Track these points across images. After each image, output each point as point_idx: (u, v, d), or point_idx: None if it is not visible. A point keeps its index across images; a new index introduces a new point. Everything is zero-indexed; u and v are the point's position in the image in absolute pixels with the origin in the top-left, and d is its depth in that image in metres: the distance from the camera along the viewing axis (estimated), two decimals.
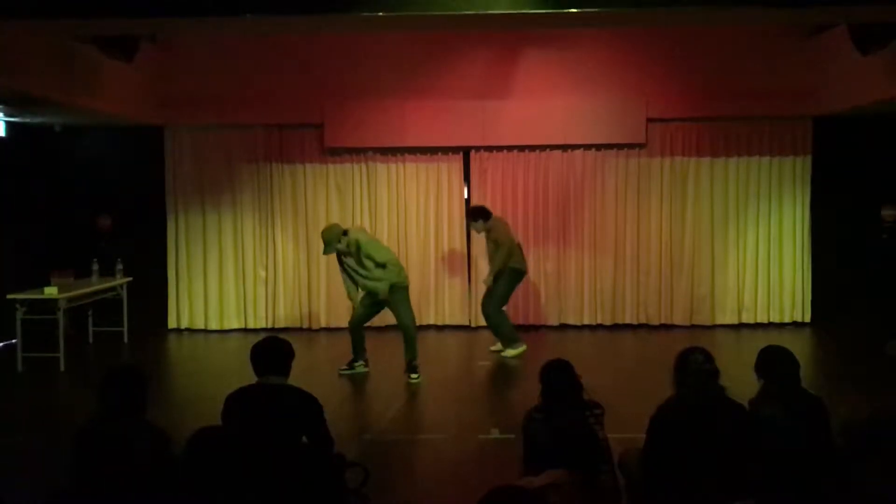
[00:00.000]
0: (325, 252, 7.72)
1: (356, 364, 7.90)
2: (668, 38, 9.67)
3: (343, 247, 7.56)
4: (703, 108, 9.90)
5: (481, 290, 9.24)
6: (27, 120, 9.38)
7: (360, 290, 7.73)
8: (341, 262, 7.76)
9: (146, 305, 10.04)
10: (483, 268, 9.56)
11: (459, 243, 10.28)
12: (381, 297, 7.58)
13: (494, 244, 8.58)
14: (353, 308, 7.92)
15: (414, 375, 7.63)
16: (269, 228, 10.33)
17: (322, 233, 7.75)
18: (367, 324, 7.99)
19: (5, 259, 9.30)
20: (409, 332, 7.65)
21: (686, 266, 10.17)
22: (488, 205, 10.02)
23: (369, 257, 7.49)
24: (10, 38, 6.79)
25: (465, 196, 10.24)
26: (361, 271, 7.57)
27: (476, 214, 8.76)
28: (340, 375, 7.81)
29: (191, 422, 3.48)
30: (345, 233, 7.64)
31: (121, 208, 10.18)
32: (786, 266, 10.18)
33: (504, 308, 8.77)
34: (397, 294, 7.62)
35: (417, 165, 10.26)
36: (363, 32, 9.17)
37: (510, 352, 8.57)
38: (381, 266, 7.50)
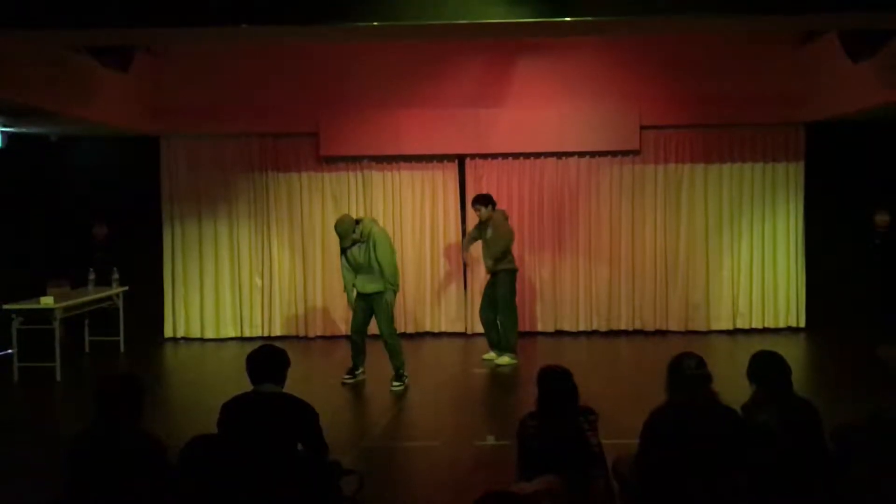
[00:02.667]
0: (344, 245, 7.65)
1: (357, 372, 7.92)
2: (661, 46, 9.72)
3: (357, 236, 7.58)
4: (697, 114, 9.95)
5: (478, 298, 9.25)
6: (23, 130, 9.38)
7: (354, 287, 7.75)
8: (344, 252, 7.75)
9: (142, 314, 10.03)
10: (479, 272, 9.59)
11: (455, 251, 10.29)
12: (365, 291, 7.63)
13: (492, 233, 8.61)
14: (348, 301, 7.92)
15: (396, 383, 7.65)
16: (264, 237, 10.35)
17: (336, 226, 7.66)
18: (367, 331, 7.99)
19: (1, 269, 9.29)
20: (389, 342, 7.69)
21: (681, 272, 10.21)
22: None
23: (374, 249, 7.53)
24: (5, 48, 6.80)
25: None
26: (361, 261, 7.60)
27: (485, 200, 8.76)
28: (344, 385, 7.81)
29: (186, 430, 3.49)
30: (357, 222, 7.67)
31: (117, 218, 10.19)
32: (780, 271, 10.22)
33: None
34: (383, 302, 7.66)
35: (413, 173, 10.29)
36: (358, 42, 9.20)
37: (504, 360, 8.58)
38: (379, 263, 7.55)
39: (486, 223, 8.72)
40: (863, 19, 6.29)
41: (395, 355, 7.70)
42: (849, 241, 9.83)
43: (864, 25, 6.99)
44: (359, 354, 7.87)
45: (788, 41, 9.64)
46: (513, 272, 8.71)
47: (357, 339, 7.84)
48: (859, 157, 9.93)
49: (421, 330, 10.29)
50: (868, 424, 3.69)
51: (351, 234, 7.56)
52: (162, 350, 10.05)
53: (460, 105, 9.96)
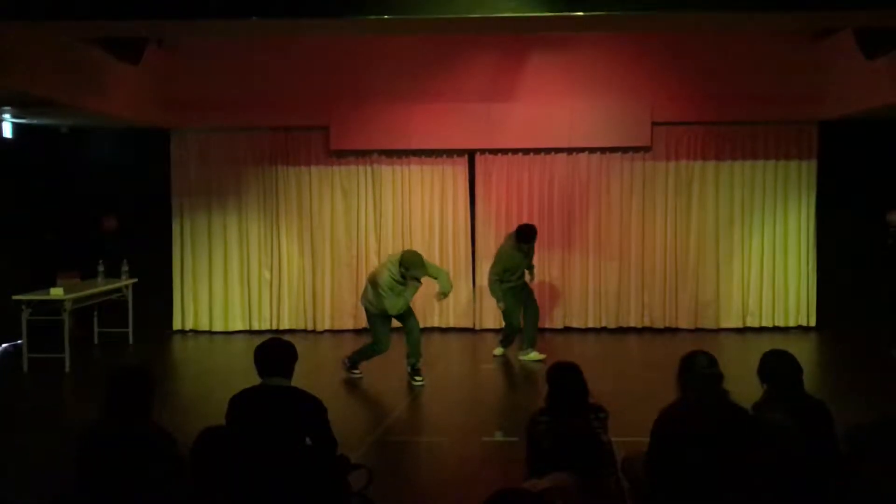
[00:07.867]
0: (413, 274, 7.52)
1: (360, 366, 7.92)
2: (673, 42, 9.67)
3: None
4: (708, 111, 9.89)
5: (486, 293, 9.21)
6: (34, 121, 9.40)
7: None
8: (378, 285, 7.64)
9: (151, 307, 10.06)
10: (487, 268, 9.57)
11: (464, 246, 10.28)
12: (393, 312, 7.63)
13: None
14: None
15: (418, 378, 7.68)
16: (274, 230, 10.35)
17: (412, 259, 7.52)
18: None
19: (11, 260, 9.33)
20: (418, 338, 7.75)
21: (691, 270, 10.16)
22: (493, 207, 10.12)
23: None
24: (17, 40, 6.81)
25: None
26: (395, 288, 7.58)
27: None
28: (353, 378, 7.80)
29: (195, 423, 3.48)
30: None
31: (126, 210, 10.21)
32: (791, 270, 10.16)
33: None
34: (407, 309, 7.75)
35: (422, 168, 10.27)
36: (369, 35, 9.18)
37: (534, 355, 8.55)
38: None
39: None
40: (879, 17, 6.23)
41: (417, 351, 7.72)
42: (861, 240, 9.76)
43: (880, 23, 6.92)
44: (368, 360, 7.89)
45: (802, 38, 9.55)
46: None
47: (370, 356, 7.82)
48: (873, 155, 9.84)
49: (429, 325, 10.27)
50: (880, 425, 3.65)
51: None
52: (170, 342, 10.08)
53: (471, 100, 9.93)
